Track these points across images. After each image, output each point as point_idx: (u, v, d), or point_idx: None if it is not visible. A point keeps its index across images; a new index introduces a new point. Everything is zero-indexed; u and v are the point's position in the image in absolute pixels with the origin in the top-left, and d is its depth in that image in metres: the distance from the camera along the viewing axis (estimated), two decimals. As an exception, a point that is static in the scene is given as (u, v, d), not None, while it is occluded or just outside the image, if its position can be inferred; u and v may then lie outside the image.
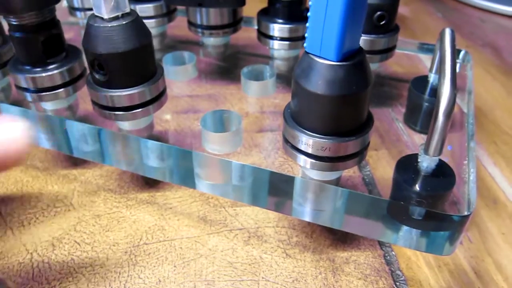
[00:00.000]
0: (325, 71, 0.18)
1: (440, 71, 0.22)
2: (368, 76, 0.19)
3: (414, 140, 0.29)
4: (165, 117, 0.30)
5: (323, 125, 0.20)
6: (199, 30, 0.32)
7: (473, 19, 0.48)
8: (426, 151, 0.21)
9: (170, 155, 0.23)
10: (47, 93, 0.26)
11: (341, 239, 0.24)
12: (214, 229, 0.25)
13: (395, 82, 0.34)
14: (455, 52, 0.23)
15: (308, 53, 0.19)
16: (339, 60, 0.18)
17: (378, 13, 0.27)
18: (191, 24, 0.32)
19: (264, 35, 0.31)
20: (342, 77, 0.18)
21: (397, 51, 0.30)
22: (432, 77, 0.28)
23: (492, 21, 0.47)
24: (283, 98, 0.32)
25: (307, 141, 0.20)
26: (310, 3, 0.18)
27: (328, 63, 0.18)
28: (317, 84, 0.18)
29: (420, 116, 0.29)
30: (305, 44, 0.19)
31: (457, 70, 0.31)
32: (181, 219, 0.25)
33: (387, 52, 0.29)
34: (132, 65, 0.23)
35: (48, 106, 0.27)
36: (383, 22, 0.27)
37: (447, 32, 0.25)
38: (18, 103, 0.29)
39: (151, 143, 0.23)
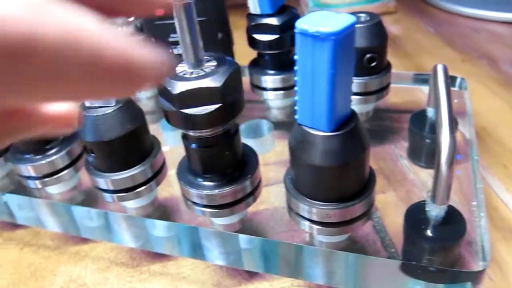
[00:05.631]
0: (319, 142, 0.18)
1: (437, 117, 0.22)
2: (364, 140, 0.19)
3: (421, 177, 0.28)
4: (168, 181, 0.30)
5: (324, 193, 0.19)
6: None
7: (465, 30, 0.48)
8: (433, 199, 0.21)
9: (177, 231, 0.23)
10: (50, 178, 0.26)
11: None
12: (230, 296, 0.25)
13: (395, 115, 0.33)
14: (450, 95, 0.23)
15: (300, 124, 0.19)
16: (332, 130, 0.18)
17: (368, 55, 0.27)
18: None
19: (257, 87, 0.31)
20: (337, 147, 0.18)
21: (392, 85, 0.30)
22: (431, 112, 0.28)
23: (485, 30, 0.47)
24: (284, 146, 0.32)
25: (310, 210, 0.20)
26: (295, 78, 0.18)
27: (321, 134, 0.18)
28: (313, 156, 0.18)
29: (424, 152, 0.29)
30: (296, 116, 0.19)
31: (455, 99, 0.30)
32: (196, 289, 0.25)
33: (382, 91, 0.29)
34: (124, 150, 0.22)
35: (52, 189, 0.27)
36: (374, 63, 0.27)
37: (440, 69, 0.25)
38: (21, 187, 0.29)
39: (158, 222, 0.23)
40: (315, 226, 0.20)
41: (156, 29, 0.28)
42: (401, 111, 0.34)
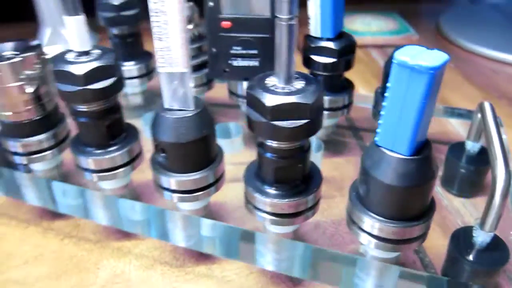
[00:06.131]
0: (398, 164, 0.20)
1: (490, 151, 0.23)
2: (435, 167, 0.20)
3: (454, 204, 0.30)
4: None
5: (392, 211, 0.21)
6: (240, 99, 0.33)
7: (484, 70, 0.50)
8: (482, 226, 0.23)
9: (230, 235, 0.24)
10: (107, 173, 0.27)
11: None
12: (275, 303, 0.26)
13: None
14: (500, 129, 0.25)
15: (378, 146, 0.20)
16: (411, 154, 0.19)
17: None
18: (232, 93, 0.34)
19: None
20: (413, 170, 0.20)
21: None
22: (470, 145, 0.30)
23: (504, 72, 0.50)
24: (326, 164, 0.33)
25: (373, 224, 0.21)
26: (384, 103, 0.19)
27: (401, 157, 0.19)
28: (390, 176, 0.20)
29: (457, 181, 0.30)
30: (376, 138, 0.20)
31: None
32: (241, 293, 0.26)
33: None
34: (195, 153, 0.24)
35: (106, 185, 0.28)
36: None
37: (487, 107, 0.27)
38: (69, 177, 0.30)
39: (212, 222, 0.24)
40: (374, 241, 0.22)
41: (219, 41, 0.29)
42: (432, 141, 0.36)
